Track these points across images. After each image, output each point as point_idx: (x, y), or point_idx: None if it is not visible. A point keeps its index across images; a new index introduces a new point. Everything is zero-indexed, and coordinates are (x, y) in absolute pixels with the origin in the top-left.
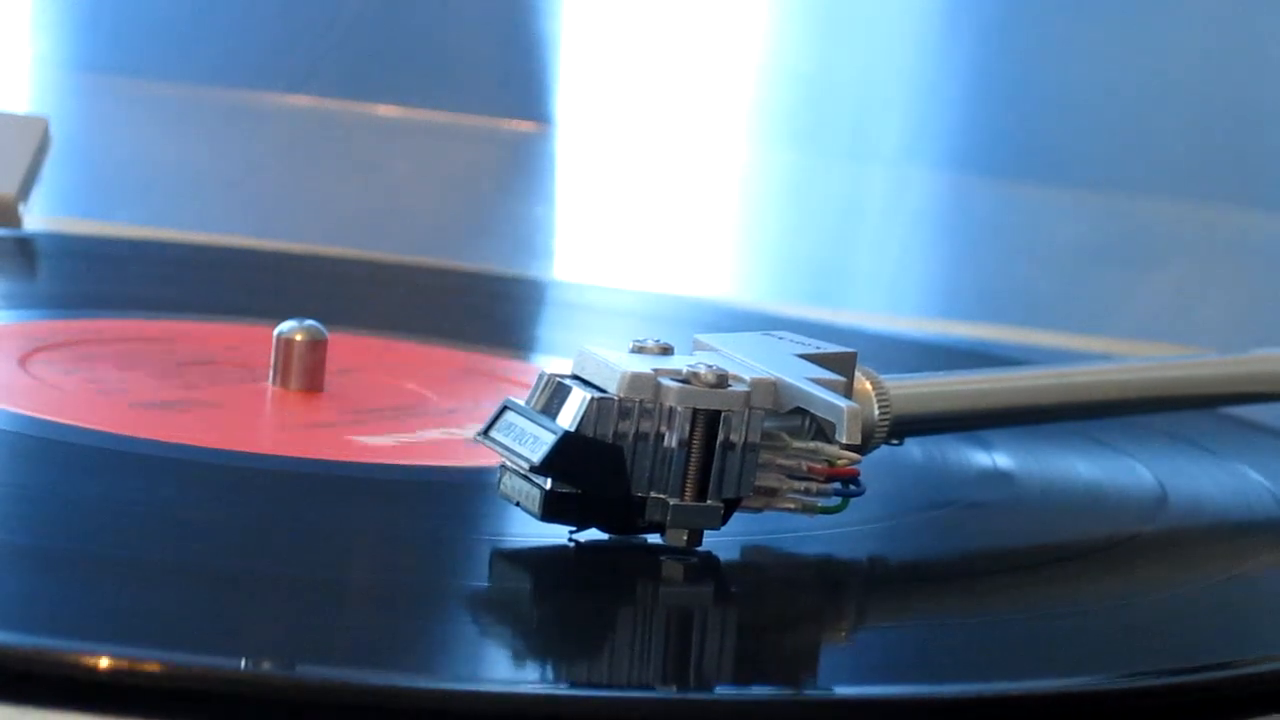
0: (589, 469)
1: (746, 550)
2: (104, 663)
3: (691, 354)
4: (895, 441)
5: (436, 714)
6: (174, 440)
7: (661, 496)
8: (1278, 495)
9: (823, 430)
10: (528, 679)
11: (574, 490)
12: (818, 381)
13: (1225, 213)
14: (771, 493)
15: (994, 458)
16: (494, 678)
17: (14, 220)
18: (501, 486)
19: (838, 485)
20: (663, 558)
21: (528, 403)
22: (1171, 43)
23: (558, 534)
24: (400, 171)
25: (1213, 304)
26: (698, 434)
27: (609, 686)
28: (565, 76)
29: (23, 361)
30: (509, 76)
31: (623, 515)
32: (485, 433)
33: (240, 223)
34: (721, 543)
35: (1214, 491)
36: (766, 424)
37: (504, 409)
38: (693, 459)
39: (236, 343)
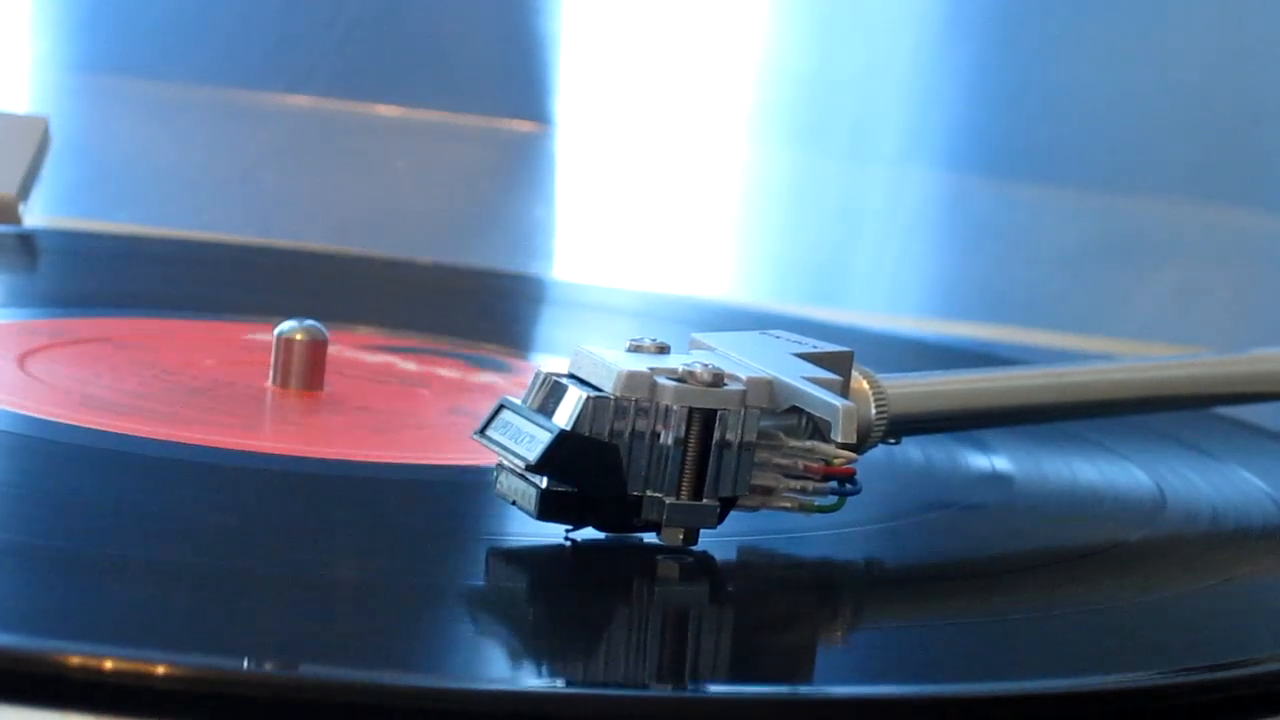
0: (585, 468)
1: (742, 550)
2: (106, 664)
3: (688, 353)
4: (893, 440)
5: (434, 713)
6: (174, 439)
7: (658, 495)
8: (1275, 498)
9: (819, 429)
10: (524, 678)
11: (570, 489)
12: (814, 380)
13: (1225, 213)
14: (768, 491)
15: (992, 460)
16: (490, 676)
17: (14, 219)
18: (498, 485)
19: (834, 484)
20: (659, 557)
21: (524, 401)
22: (1171, 43)
23: (554, 533)
24: (400, 171)
25: (1213, 304)
26: (694, 433)
27: (605, 685)
28: (565, 76)
29: (22, 361)
30: (509, 76)
31: (619, 514)
32: (482, 431)
33: (240, 223)
34: (718, 542)
35: (1211, 494)
36: (763, 423)
37: (500, 408)
38: (689, 458)
39: (236, 342)
